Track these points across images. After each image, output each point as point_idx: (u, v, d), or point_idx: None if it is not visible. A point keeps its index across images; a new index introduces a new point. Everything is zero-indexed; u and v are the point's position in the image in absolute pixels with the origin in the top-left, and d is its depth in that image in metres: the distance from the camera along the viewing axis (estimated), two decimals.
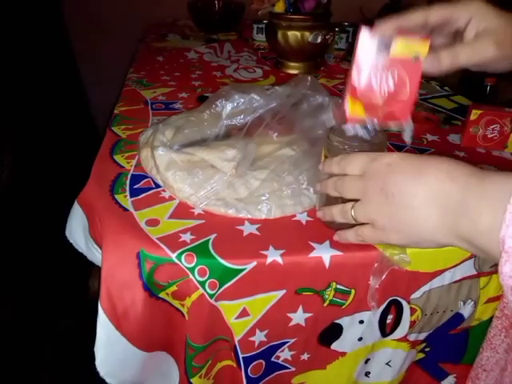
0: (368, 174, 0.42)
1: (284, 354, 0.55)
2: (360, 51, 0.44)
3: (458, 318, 0.57)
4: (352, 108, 0.45)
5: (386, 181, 0.40)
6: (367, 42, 0.43)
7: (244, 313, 0.50)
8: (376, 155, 0.43)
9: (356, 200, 0.44)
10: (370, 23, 0.45)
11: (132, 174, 0.62)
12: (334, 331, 0.54)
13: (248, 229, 0.52)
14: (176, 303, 0.50)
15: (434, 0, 0.49)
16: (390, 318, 0.54)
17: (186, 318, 0.51)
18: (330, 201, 0.52)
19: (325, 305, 0.51)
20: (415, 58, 0.43)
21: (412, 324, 0.55)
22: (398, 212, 0.40)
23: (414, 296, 0.53)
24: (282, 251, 0.49)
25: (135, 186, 0.59)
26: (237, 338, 0.51)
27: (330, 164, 0.47)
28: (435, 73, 0.45)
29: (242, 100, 0.61)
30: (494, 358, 0.56)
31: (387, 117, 0.45)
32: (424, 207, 0.38)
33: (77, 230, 0.62)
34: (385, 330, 0.55)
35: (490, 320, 0.58)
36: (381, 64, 0.43)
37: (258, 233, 0.51)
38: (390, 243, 0.42)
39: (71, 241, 0.64)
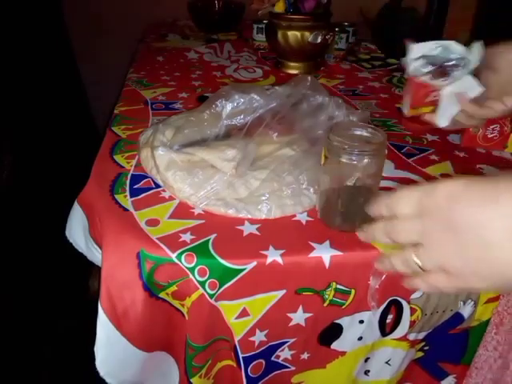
0: (425, 211, 0.35)
1: (284, 354, 0.55)
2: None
3: (457, 317, 0.57)
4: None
5: (450, 216, 0.34)
6: None
7: (244, 313, 0.50)
8: (430, 188, 0.36)
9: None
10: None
11: (132, 174, 0.62)
12: (334, 331, 0.54)
13: (248, 229, 0.52)
14: (176, 303, 0.50)
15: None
16: (389, 318, 0.54)
17: (186, 318, 0.51)
18: (330, 201, 0.52)
19: (325, 305, 0.51)
20: None
21: (412, 324, 0.55)
22: (474, 251, 0.33)
23: (414, 296, 0.53)
24: (281, 251, 0.49)
25: (135, 186, 0.59)
26: (237, 338, 0.51)
27: (379, 207, 0.40)
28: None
29: (242, 100, 0.61)
30: (484, 356, 0.56)
31: None
32: (506, 241, 0.31)
33: (77, 230, 0.62)
34: (385, 329, 0.55)
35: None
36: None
37: (258, 233, 0.51)
38: (475, 289, 0.37)
39: (71, 241, 0.64)
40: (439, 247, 0.35)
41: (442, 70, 0.53)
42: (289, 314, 0.51)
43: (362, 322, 0.54)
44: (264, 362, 0.55)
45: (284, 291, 0.50)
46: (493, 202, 0.32)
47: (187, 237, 0.50)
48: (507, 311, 0.54)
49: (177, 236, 0.50)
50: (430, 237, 0.35)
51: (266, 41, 1.17)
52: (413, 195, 0.37)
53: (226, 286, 0.48)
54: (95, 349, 0.51)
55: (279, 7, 0.99)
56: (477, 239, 0.32)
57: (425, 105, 0.57)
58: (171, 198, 0.57)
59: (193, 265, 0.47)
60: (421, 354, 0.61)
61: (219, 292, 0.48)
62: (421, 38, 0.54)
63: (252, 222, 0.53)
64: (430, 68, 0.53)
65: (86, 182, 0.61)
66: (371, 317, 0.53)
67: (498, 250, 0.32)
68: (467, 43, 0.53)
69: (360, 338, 0.55)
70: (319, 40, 0.99)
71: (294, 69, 1.07)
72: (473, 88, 0.54)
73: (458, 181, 0.34)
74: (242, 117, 0.61)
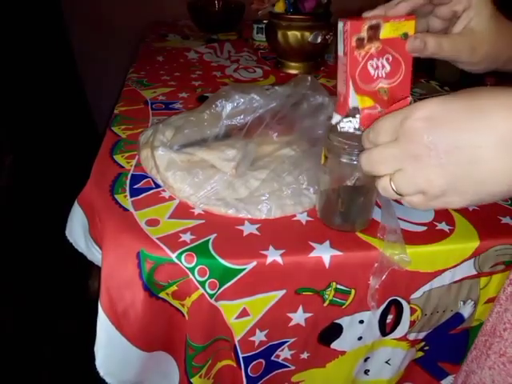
0: (404, 136, 0.33)
1: (284, 353, 0.55)
2: (347, 44, 0.43)
3: (457, 317, 0.57)
4: (361, 101, 0.44)
5: (432, 139, 0.32)
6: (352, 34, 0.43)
7: (244, 313, 0.50)
8: (407, 111, 0.34)
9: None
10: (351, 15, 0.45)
11: (132, 174, 0.62)
12: (334, 331, 0.54)
13: (248, 229, 0.52)
14: (176, 303, 0.50)
15: None
16: (389, 318, 0.54)
17: (186, 317, 0.51)
18: (330, 201, 0.52)
19: (325, 305, 0.51)
20: (404, 36, 0.43)
21: (412, 324, 0.55)
22: (462, 171, 0.31)
23: (414, 296, 0.53)
24: (281, 251, 0.49)
25: (135, 186, 0.59)
26: (237, 338, 0.51)
27: (363, 142, 0.38)
28: (418, 54, 0.44)
29: (242, 100, 0.61)
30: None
31: (390, 99, 0.43)
32: (496, 157, 0.30)
33: (77, 230, 0.62)
34: (385, 329, 0.55)
35: None
36: (372, 50, 0.43)
37: (258, 233, 0.51)
38: (451, 207, 0.35)
39: (71, 241, 0.64)
40: (419, 171, 0.33)
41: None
42: (289, 314, 0.51)
43: (361, 321, 0.54)
44: (264, 362, 0.55)
45: (284, 291, 0.50)
46: (480, 117, 0.30)
47: (187, 237, 0.50)
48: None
49: (177, 236, 0.50)
50: (408, 161, 0.33)
51: (266, 41, 1.17)
52: (391, 123, 0.35)
53: (226, 285, 0.48)
54: (95, 349, 0.51)
55: (279, 7, 0.99)
56: (465, 158, 0.31)
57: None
58: (171, 198, 0.57)
59: (193, 265, 0.47)
60: (421, 353, 0.61)
61: (219, 292, 0.48)
62: None
63: (252, 221, 0.53)
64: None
65: (85, 182, 0.61)
66: (371, 317, 0.53)
67: (489, 165, 0.30)
68: None
69: (360, 338, 0.55)
70: (319, 40, 0.99)
71: (294, 69, 1.07)
72: None
73: (435, 101, 0.32)
74: (242, 117, 0.61)
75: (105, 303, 0.49)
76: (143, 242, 0.49)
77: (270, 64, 1.13)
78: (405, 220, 0.54)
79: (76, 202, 0.63)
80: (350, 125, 0.45)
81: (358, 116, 0.44)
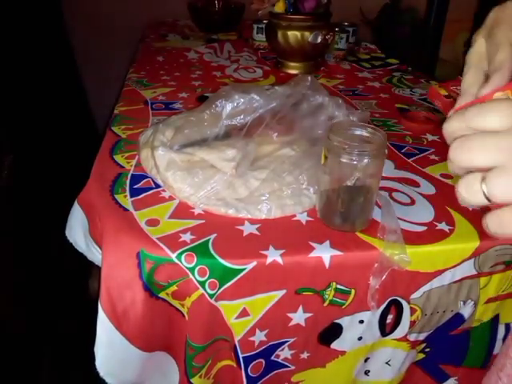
0: None
1: (284, 353, 0.55)
2: None
3: (458, 318, 0.57)
4: None
5: None
6: None
7: (244, 313, 0.50)
8: None
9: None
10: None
11: (132, 174, 0.62)
12: (334, 331, 0.54)
13: (248, 229, 0.52)
14: (176, 303, 0.50)
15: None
16: (390, 318, 0.54)
17: (186, 318, 0.51)
18: (330, 201, 0.52)
19: (325, 305, 0.51)
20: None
21: (412, 324, 0.55)
22: None
23: (414, 296, 0.53)
24: (281, 251, 0.49)
25: (135, 186, 0.59)
26: (237, 338, 0.51)
27: (463, 116, 0.29)
28: None
29: (242, 100, 0.61)
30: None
31: None
32: None
33: (77, 230, 0.62)
34: (385, 329, 0.55)
35: (491, 321, 0.58)
36: None
37: (258, 233, 0.51)
38: None
39: (71, 241, 0.64)
40: None
41: None
42: (289, 314, 0.51)
43: (361, 321, 0.54)
44: (264, 362, 0.55)
45: (284, 291, 0.50)
46: None
47: (187, 237, 0.50)
48: None
49: (177, 236, 0.50)
50: None
51: (265, 41, 1.17)
52: (509, 106, 0.27)
53: (226, 285, 0.48)
54: (95, 349, 0.51)
55: (279, 7, 0.99)
56: None
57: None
58: (171, 198, 0.57)
59: (193, 265, 0.47)
60: (422, 355, 0.61)
61: (219, 292, 0.48)
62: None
63: (252, 222, 0.53)
64: None
65: (86, 182, 0.61)
66: (371, 317, 0.53)
67: None
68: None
69: (360, 338, 0.55)
70: (319, 40, 0.99)
71: (293, 69, 1.07)
72: None
73: None
74: (242, 117, 0.61)
75: (105, 303, 0.49)
76: (143, 241, 0.49)
77: (269, 64, 1.13)
78: (405, 220, 0.54)
79: (76, 202, 0.63)
80: None
81: None
